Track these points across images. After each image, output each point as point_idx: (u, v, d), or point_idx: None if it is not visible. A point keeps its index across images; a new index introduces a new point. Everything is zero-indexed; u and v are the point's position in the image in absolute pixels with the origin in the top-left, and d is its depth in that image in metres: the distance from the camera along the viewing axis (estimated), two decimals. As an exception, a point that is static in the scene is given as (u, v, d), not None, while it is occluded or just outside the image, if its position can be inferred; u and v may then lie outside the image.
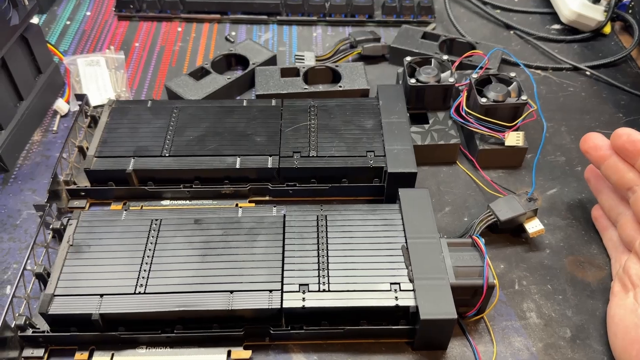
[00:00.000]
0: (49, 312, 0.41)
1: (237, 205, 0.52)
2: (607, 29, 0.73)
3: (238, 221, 0.47)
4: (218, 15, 0.74)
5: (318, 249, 0.45)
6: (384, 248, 0.45)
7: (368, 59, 0.69)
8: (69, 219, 0.47)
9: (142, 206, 0.52)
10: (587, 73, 0.68)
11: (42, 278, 0.45)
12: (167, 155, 0.52)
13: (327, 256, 0.44)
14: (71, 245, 0.45)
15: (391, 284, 0.42)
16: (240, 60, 0.66)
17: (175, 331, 0.42)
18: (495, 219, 0.49)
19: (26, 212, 0.52)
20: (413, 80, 0.56)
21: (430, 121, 0.57)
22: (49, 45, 0.63)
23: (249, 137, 0.54)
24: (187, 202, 0.53)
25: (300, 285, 0.42)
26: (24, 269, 0.43)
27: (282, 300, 0.42)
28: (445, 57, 0.59)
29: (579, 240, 0.51)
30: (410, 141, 0.52)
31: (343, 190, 0.52)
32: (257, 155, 0.52)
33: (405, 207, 0.47)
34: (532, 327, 0.45)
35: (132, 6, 0.74)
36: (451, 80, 0.56)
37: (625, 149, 0.45)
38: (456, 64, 0.61)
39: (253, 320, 0.42)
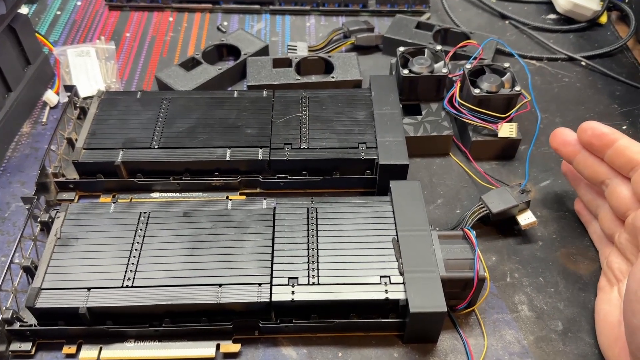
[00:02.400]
0: (36, 306, 0.41)
1: (227, 197, 0.51)
2: (603, 19, 0.72)
3: (228, 214, 0.46)
4: (210, 5, 0.73)
5: (308, 242, 0.44)
6: (374, 241, 0.44)
7: (361, 49, 0.68)
8: (56, 212, 0.47)
9: (131, 198, 0.51)
10: (583, 63, 0.67)
11: (30, 271, 0.44)
12: (156, 147, 0.51)
13: (317, 249, 0.44)
14: (59, 238, 0.45)
15: (381, 276, 0.42)
16: (231, 51, 0.66)
17: (163, 325, 0.42)
18: (487, 211, 0.48)
19: (15, 205, 0.52)
20: (406, 71, 0.56)
21: (423, 112, 0.56)
22: (38, 35, 0.63)
23: (240, 129, 0.53)
24: (177, 194, 0.52)
25: (289, 278, 0.42)
26: (11, 262, 0.43)
27: (271, 293, 0.41)
28: (438, 47, 0.58)
29: (571, 232, 0.50)
30: (403, 133, 0.52)
31: (334, 183, 0.52)
32: (248, 147, 0.52)
33: (397, 200, 0.47)
34: (524, 320, 0.45)
35: (123, -4, 0.73)
36: (444, 70, 0.56)
37: (592, 143, 0.44)
38: (450, 54, 0.60)
39: (242, 314, 0.42)
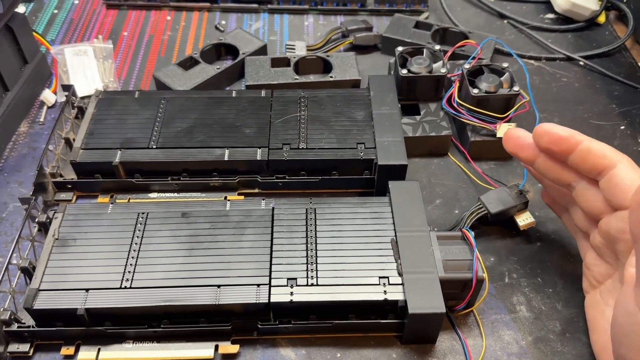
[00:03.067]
0: (34, 307, 0.41)
1: (225, 198, 0.51)
2: (602, 19, 0.72)
3: (226, 214, 0.46)
4: (208, 4, 0.73)
5: (307, 243, 0.44)
6: (373, 241, 0.44)
7: (360, 48, 0.68)
8: (54, 212, 0.46)
9: (129, 199, 0.51)
10: (581, 63, 0.67)
11: (28, 272, 0.44)
12: (154, 147, 0.51)
13: (316, 250, 0.44)
14: (57, 239, 0.45)
15: (380, 277, 0.42)
16: (230, 50, 0.66)
17: (162, 326, 0.42)
18: (485, 212, 0.48)
19: (12, 205, 0.52)
20: (404, 71, 0.56)
21: (422, 112, 0.56)
22: (35, 34, 0.62)
23: (238, 129, 0.53)
24: (175, 194, 0.52)
25: (288, 279, 0.42)
26: (9, 262, 0.43)
27: (269, 294, 0.41)
28: (437, 47, 0.58)
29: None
30: (401, 133, 0.52)
31: (333, 183, 0.52)
32: (246, 147, 0.51)
33: (395, 200, 0.47)
34: (522, 321, 0.45)
35: (120, -6, 0.73)
36: (443, 70, 0.56)
37: (551, 150, 0.40)
38: (448, 54, 0.60)
39: (241, 315, 0.42)
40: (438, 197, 0.53)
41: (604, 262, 0.41)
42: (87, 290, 0.41)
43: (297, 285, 0.42)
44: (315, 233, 0.45)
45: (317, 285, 0.42)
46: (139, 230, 0.45)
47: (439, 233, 0.45)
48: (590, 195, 0.40)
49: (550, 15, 0.74)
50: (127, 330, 0.42)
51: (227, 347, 0.42)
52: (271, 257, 0.43)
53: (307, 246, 0.44)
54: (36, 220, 0.47)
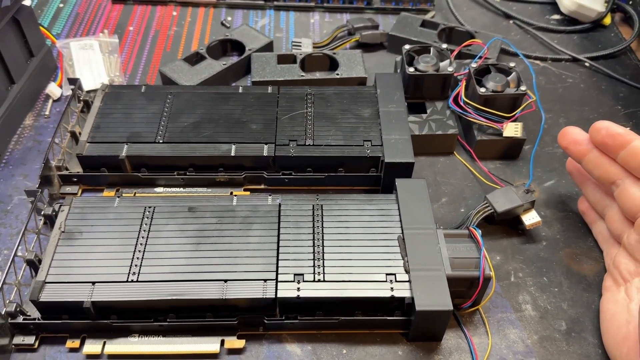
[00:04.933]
0: (40, 300, 0.41)
1: (231, 193, 0.51)
2: (607, 20, 0.72)
3: (233, 210, 0.46)
4: (214, 0, 0.73)
5: (313, 239, 0.44)
6: (380, 238, 0.44)
7: (366, 46, 0.68)
8: (60, 205, 0.46)
9: (135, 193, 0.51)
10: (587, 64, 0.67)
11: (33, 265, 0.44)
12: (161, 141, 0.51)
13: (323, 246, 0.44)
14: (63, 231, 0.44)
15: (387, 274, 0.42)
16: (236, 46, 0.65)
17: (168, 320, 0.42)
18: (492, 211, 0.48)
19: (17, 198, 0.51)
20: (411, 69, 0.56)
21: (428, 111, 0.56)
22: (41, 28, 0.62)
23: (245, 125, 0.53)
24: (181, 189, 0.52)
25: (295, 275, 0.42)
26: (15, 255, 0.43)
27: (276, 290, 0.41)
28: (444, 45, 0.58)
29: (575, 232, 0.51)
30: (408, 131, 0.52)
31: (339, 180, 0.52)
32: (253, 143, 0.51)
33: (402, 198, 0.47)
34: (528, 320, 0.45)
35: (126, -11, 0.73)
36: (450, 69, 0.56)
37: (605, 143, 0.43)
38: (455, 53, 0.60)
39: (247, 310, 0.42)
40: (444, 195, 0.53)
41: (635, 261, 0.43)
42: (93, 283, 0.41)
43: (304, 281, 0.42)
44: (322, 229, 0.45)
45: (324, 281, 0.42)
46: (145, 224, 0.45)
47: (446, 231, 0.45)
48: (633, 192, 0.42)
49: (556, 16, 0.74)
50: (133, 324, 0.42)
51: (233, 342, 0.42)
52: (278, 253, 0.43)
53: (314, 242, 0.44)
54: (42, 213, 0.46)
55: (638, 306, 0.40)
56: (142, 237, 0.44)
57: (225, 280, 0.42)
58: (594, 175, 0.46)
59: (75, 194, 0.51)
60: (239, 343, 0.42)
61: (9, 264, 0.42)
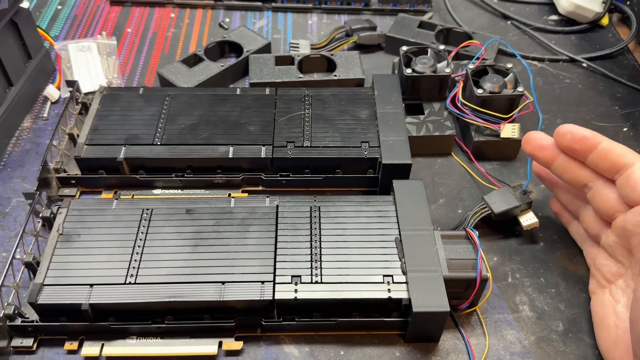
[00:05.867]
0: (38, 302, 0.41)
1: (229, 195, 0.51)
2: (605, 21, 0.73)
3: (230, 211, 0.46)
4: (212, 1, 0.73)
5: (311, 241, 0.44)
6: (377, 240, 0.44)
7: (364, 47, 0.68)
8: (59, 208, 0.46)
9: (133, 195, 0.51)
10: (584, 65, 0.67)
11: (32, 267, 0.44)
12: (158, 143, 0.51)
13: (320, 248, 0.44)
14: (61, 234, 0.45)
15: (384, 276, 0.42)
16: (233, 48, 0.66)
17: (166, 322, 0.42)
18: (489, 212, 0.48)
19: (15, 200, 0.52)
20: (409, 70, 0.56)
21: (426, 112, 0.56)
22: (39, 30, 0.62)
23: (243, 127, 0.53)
24: (179, 191, 0.52)
25: (292, 276, 0.42)
26: (13, 257, 0.43)
27: (274, 291, 0.41)
28: (441, 46, 0.58)
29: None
30: (405, 132, 0.52)
31: (337, 181, 0.52)
32: (251, 144, 0.51)
33: (399, 199, 0.47)
34: (525, 320, 0.45)
35: (124, -9, 0.73)
36: (447, 70, 0.56)
37: (572, 148, 0.42)
38: (452, 54, 0.60)
39: (245, 312, 0.42)
40: (441, 196, 0.53)
41: (616, 262, 0.42)
42: (91, 285, 0.41)
43: (301, 283, 0.42)
44: (320, 231, 0.45)
45: (322, 282, 0.42)
46: (143, 226, 0.45)
47: (443, 232, 0.45)
48: (606, 194, 0.41)
49: (554, 17, 0.74)
50: (131, 326, 0.42)
51: (231, 344, 0.42)
52: (275, 255, 0.43)
53: (311, 244, 0.44)
54: (40, 215, 0.47)
55: (625, 309, 0.40)
56: (140, 239, 0.44)
57: (223, 282, 0.42)
58: (563, 179, 0.44)
59: (74, 196, 0.51)
60: (237, 345, 0.42)
61: (7, 266, 0.42)
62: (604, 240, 0.43)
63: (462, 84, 0.55)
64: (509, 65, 0.55)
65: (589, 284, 0.45)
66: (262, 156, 0.51)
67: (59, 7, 0.73)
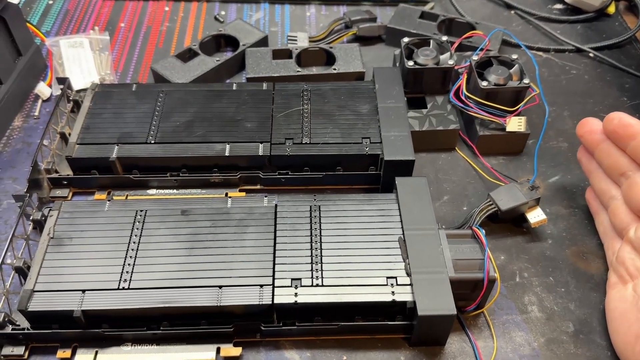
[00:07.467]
0: (29, 309, 0.39)
1: (226, 194, 0.50)
2: (611, 9, 0.71)
3: (227, 212, 0.45)
4: (207, -6, 0.71)
5: (311, 242, 0.43)
6: (380, 240, 0.43)
7: (364, 39, 0.66)
8: (50, 210, 0.45)
9: (127, 196, 0.50)
10: (591, 55, 0.65)
11: (22, 272, 0.43)
12: (152, 142, 0.50)
13: (321, 249, 0.42)
14: (52, 237, 0.43)
15: (387, 278, 0.41)
16: (230, 41, 0.64)
17: (161, 328, 0.40)
18: (495, 209, 0.47)
19: (6, 202, 0.50)
20: (411, 63, 0.54)
21: (429, 105, 0.55)
22: (29, 25, 0.61)
23: (239, 123, 0.51)
24: (175, 191, 0.50)
25: (292, 279, 0.41)
26: (3, 262, 0.42)
27: (273, 295, 0.40)
28: (444, 38, 0.57)
29: (581, 230, 0.49)
30: (408, 127, 0.50)
31: (337, 179, 0.50)
32: (248, 142, 0.50)
33: (403, 197, 0.45)
34: (534, 321, 0.43)
35: (117, -16, 0.71)
36: (450, 62, 0.54)
37: (617, 133, 0.44)
38: (455, 45, 0.58)
39: (243, 317, 0.41)
40: (446, 193, 0.51)
41: None
42: (83, 291, 0.40)
43: (301, 286, 0.40)
44: (320, 231, 0.43)
45: (323, 285, 0.40)
46: (137, 228, 0.44)
47: (448, 231, 0.43)
48: None
49: (559, 6, 0.72)
50: (125, 333, 0.40)
51: (229, 350, 0.41)
52: (274, 257, 0.42)
53: (311, 245, 0.43)
54: (31, 218, 0.45)
55: None
56: (134, 243, 0.43)
57: (220, 286, 0.40)
58: (604, 165, 0.46)
59: (66, 197, 0.50)
60: (235, 351, 0.41)
61: (-4, 272, 0.41)
62: (632, 233, 0.43)
63: (465, 76, 0.54)
64: (514, 56, 0.54)
65: (608, 278, 0.44)
66: (260, 154, 0.49)
67: (50, 2, 0.71)
